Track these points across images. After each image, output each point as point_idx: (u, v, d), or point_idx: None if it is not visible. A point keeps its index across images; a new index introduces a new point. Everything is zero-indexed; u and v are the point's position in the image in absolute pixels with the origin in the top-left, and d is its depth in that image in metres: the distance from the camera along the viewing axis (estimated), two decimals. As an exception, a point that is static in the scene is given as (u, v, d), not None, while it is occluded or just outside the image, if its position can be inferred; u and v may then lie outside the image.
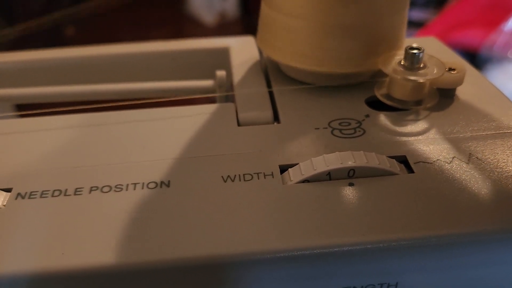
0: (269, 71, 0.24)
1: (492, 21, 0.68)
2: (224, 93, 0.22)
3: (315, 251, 0.14)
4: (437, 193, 0.16)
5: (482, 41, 0.65)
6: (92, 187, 0.17)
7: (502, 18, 0.68)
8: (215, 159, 0.18)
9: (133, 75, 0.27)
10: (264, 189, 0.16)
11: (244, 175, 0.17)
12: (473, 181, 0.16)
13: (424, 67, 0.20)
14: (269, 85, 0.23)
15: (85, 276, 0.14)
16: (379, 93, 0.21)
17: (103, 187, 0.17)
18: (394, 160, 0.17)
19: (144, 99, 0.23)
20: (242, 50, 0.26)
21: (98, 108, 0.21)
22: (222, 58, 0.26)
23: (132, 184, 0.17)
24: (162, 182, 0.17)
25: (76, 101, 0.24)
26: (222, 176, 0.17)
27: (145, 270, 0.14)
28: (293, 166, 0.17)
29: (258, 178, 0.17)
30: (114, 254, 0.14)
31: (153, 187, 0.17)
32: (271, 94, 0.22)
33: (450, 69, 0.21)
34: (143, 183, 0.17)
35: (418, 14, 0.80)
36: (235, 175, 0.17)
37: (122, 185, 0.17)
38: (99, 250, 0.14)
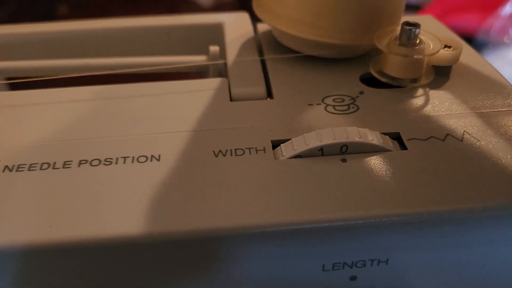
0: (262, 47, 0.23)
1: (489, 5, 0.68)
2: (216, 62, 0.22)
3: (305, 226, 0.14)
4: (429, 169, 0.16)
5: (478, 26, 0.65)
6: (81, 161, 0.17)
7: (499, 2, 0.67)
8: (206, 133, 0.18)
9: (127, 49, 0.27)
10: (255, 164, 0.16)
11: (235, 150, 0.17)
12: (466, 159, 0.16)
13: (420, 43, 0.19)
14: (263, 61, 0.22)
15: (72, 248, 0.14)
16: (374, 70, 0.20)
17: (92, 160, 0.17)
18: (387, 136, 0.17)
19: (136, 73, 0.23)
20: (236, 26, 0.26)
21: (89, 82, 0.21)
22: (216, 33, 0.26)
23: (122, 157, 0.17)
24: (152, 156, 0.17)
25: (67, 75, 0.23)
26: (213, 151, 0.17)
27: (131, 244, 0.14)
28: (286, 141, 0.17)
29: (250, 153, 0.17)
30: (100, 227, 0.14)
31: (143, 161, 0.16)
32: (264, 70, 0.22)
33: (446, 46, 0.20)
34: (133, 157, 0.17)
35: (416, -1, 0.79)
36: (227, 150, 0.17)
37: (111, 158, 0.17)
38: (85, 223, 0.14)
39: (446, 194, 0.15)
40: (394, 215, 0.14)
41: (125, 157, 0.17)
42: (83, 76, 0.23)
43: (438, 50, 0.19)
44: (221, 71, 0.23)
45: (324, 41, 0.20)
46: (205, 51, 0.24)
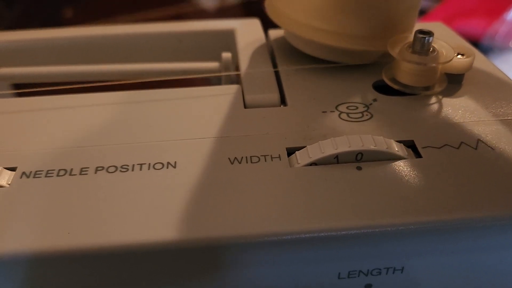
0: (275, 53, 0.23)
1: (494, 10, 0.68)
2: (229, 73, 0.22)
3: (321, 234, 0.14)
4: (444, 178, 0.16)
5: (484, 30, 0.65)
6: (97, 167, 0.17)
7: (505, 7, 0.67)
8: (222, 141, 0.18)
9: (138, 56, 0.27)
10: (271, 172, 0.16)
11: (251, 157, 0.17)
12: (480, 167, 0.16)
13: (433, 51, 0.19)
14: (275, 67, 0.22)
15: (90, 256, 0.14)
16: (387, 77, 0.20)
17: (109, 167, 0.17)
18: (402, 144, 0.17)
19: (148, 80, 0.23)
20: (248, 32, 0.26)
21: (101, 89, 0.21)
22: (227, 40, 0.26)
23: (138, 164, 0.17)
24: (168, 163, 0.17)
25: (79, 81, 0.23)
26: (229, 158, 0.17)
27: (147, 252, 0.14)
28: (301, 149, 0.17)
29: (265, 161, 0.17)
30: (118, 234, 0.14)
31: (159, 168, 0.17)
32: (277, 77, 0.22)
33: (459, 54, 0.20)
34: (149, 164, 0.17)
35: (423, 3, 0.79)
36: (242, 157, 0.17)
37: (128, 165, 0.17)
38: (102, 230, 0.14)
39: (461, 202, 0.15)
40: (409, 223, 0.14)
41: (141, 164, 0.17)
42: (94, 83, 0.23)
43: (452, 59, 0.19)
44: (233, 78, 0.23)
45: (338, 46, 0.20)
46: (217, 58, 0.24)
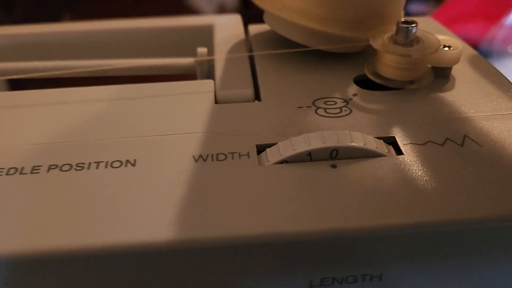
0: (253, 49, 0.22)
1: (492, 14, 0.67)
2: (201, 59, 0.21)
3: (290, 238, 0.13)
4: (427, 176, 0.15)
5: (482, 35, 0.64)
6: (50, 165, 0.15)
7: (503, 12, 0.66)
8: (187, 137, 0.16)
9: (115, 52, 0.26)
10: (238, 170, 0.15)
11: (217, 154, 0.16)
12: (466, 165, 0.15)
13: (418, 42, 0.18)
14: (252, 64, 0.21)
15: (47, 258, 0.13)
16: (369, 71, 0.19)
17: (63, 165, 0.15)
18: (382, 141, 0.16)
19: (117, 75, 0.22)
20: (227, 28, 0.24)
21: (71, 84, 0.20)
22: (206, 35, 0.25)
23: (94, 162, 0.15)
24: (127, 161, 0.15)
25: (51, 77, 0.22)
26: (193, 156, 0.16)
27: (100, 256, 0.13)
28: (271, 146, 0.16)
29: (233, 158, 0.15)
30: (70, 237, 0.13)
31: (117, 166, 0.15)
32: (253, 72, 0.21)
33: (446, 46, 0.19)
34: (107, 162, 0.15)
35: (418, 7, 0.78)
36: (208, 155, 0.16)
37: (83, 163, 0.15)
38: (54, 232, 0.13)
39: (444, 204, 0.14)
40: (387, 226, 0.13)
41: (98, 162, 0.15)
42: (66, 77, 0.22)
43: (437, 49, 0.18)
44: (210, 74, 0.22)
45: (319, 29, 0.19)
46: (195, 54, 0.23)
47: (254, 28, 0.24)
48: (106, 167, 0.15)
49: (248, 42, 0.23)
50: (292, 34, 0.20)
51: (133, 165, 0.15)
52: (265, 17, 0.22)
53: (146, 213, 0.13)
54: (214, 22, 0.25)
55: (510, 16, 0.65)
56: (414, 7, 0.78)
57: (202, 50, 0.22)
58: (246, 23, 0.25)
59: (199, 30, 0.25)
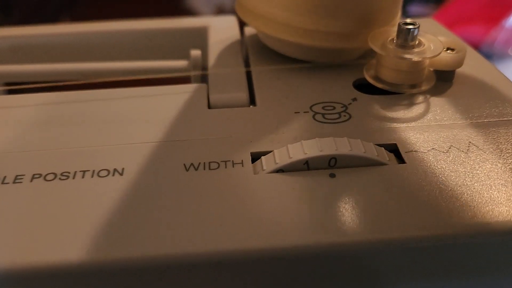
0: (248, 51, 0.22)
1: (493, 17, 0.66)
2: (196, 73, 0.20)
3: (286, 253, 0.12)
4: (430, 186, 0.14)
5: (483, 38, 0.63)
6: (34, 175, 0.15)
7: (503, 14, 0.66)
8: (178, 144, 0.16)
9: (106, 54, 0.25)
10: (231, 179, 0.14)
11: (209, 163, 0.15)
12: (471, 173, 0.14)
13: (420, 45, 0.17)
14: (248, 66, 0.20)
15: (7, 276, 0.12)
16: (369, 75, 0.18)
17: (47, 174, 0.15)
18: (383, 148, 0.15)
19: (108, 80, 0.21)
20: (222, 30, 0.24)
21: (60, 88, 0.19)
22: (200, 38, 0.24)
23: (80, 171, 0.15)
24: (115, 170, 0.15)
25: (39, 80, 0.22)
26: (184, 164, 0.15)
27: (84, 271, 0.12)
28: (267, 154, 0.15)
29: (226, 167, 0.15)
30: (51, 251, 0.12)
31: (104, 175, 0.15)
32: (248, 75, 0.20)
33: (449, 49, 0.18)
34: (94, 171, 0.15)
35: (418, 9, 0.77)
36: (199, 163, 0.15)
37: (69, 172, 0.15)
38: (32, 247, 0.12)
39: (449, 216, 0.13)
40: (390, 240, 0.12)
41: (84, 171, 0.15)
42: (51, 82, 0.21)
43: (440, 52, 0.17)
44: (204, 77, 0.21)
45: (313, 45, 0.18)
46: (188, 56, 0.22)
47: (250, 30, 0.23)
48: (92, 176, 0.15)
49: (244, 44, 0.23)
50: (288, 51, 0.20)
51: (121, 174, 0.15)
52: (258, 34, 0.21)
53: (130, 227, 0.13)
54: (209, 23, 0.25)
55: (511, 18, 0.65)
56: (413, 9, 0.77)
57: (195, 52, 0.21)
58: (243, 24, 0.24)
59: (193, 32, 0.24)
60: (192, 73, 0.21)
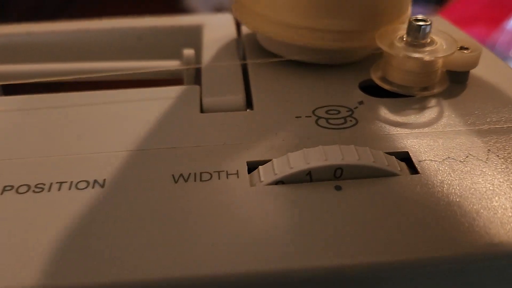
0: (246, 51, 0.20)
1: (494, 18, 0.66)
2: (187, 66, 0.19)
3: (288, 277, 0.11)
4: (447, 200, 0.12)
5: (484, 39, 0.62)
6: (5, 187, 0.13)
7: (505, 16, 0.65)
8: (166, 153, 0.14)
9: (96, 54, 0.24)
10: (224, 192, 0.13)
11: (201, 173, 0.13)
12: (493, 186, 0.13)
13: (432, 43, 0.16)
14: (245, 66, 0.19)
15: None
16: (376, 76, 0.17)
17: (20, 186, 0.13)
18: (393, 157, 0.14)
19: (100, 80, 0.20)
20: (217, 28, 0.22)
21: (40, 87, 0.18)
22: (194, 37, 0.23)
23: (57, 183, 0.13)
24: (95, 181, 0.13)
25: (24, 81, 0.20)
26: (172, 175, 0.13)
27: None
28: (265, 163, 0.14)
29: (219, 178, 0.13)
30: (22, 275, 0.11)
31: (83, 187, 0.13)
32: (245, 76, 0.18)
33: (463, 48, 0.17)
34: (71, 182, 0.13)
35: (419, 10, 0.76)
36: (190, 174, 0.13)
37: (44, 184, 0.13)
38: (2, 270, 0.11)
39: (469, 234, 0.11)
40: (403, 263, 0.11)
41: (61, 183, 0.13)
42: (36, 82, 0.19)
43: (454, 52, 0.16)
44: (197, 78, 0.20)
45: (315, 46, 0.17)
46: (181, 56, 0.20)
47: (247, 28, 0.22)
48: (70, 188, 0.13)
49: (241, 44, 0.21)
50: (287, 53, 0.19)
51: (102, 186, 0.13)
52: (257, 36, 0.20)
53: (110, 248, 0.11)
54: (204, 22, 0.23)
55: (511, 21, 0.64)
56: (415, 10, 0.76)
57: (188, 52, 0.20)
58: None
59: (187, 30, 0.23)
60: (184, 72, 0.19)
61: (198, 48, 0.21)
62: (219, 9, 1.02)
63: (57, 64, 0.21)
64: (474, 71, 0.18)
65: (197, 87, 0.17)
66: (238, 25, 0.23)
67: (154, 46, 0.23)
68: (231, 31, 0.22)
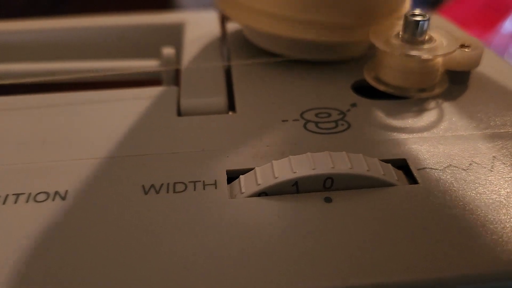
0: (231, 50, 0.19)
1: (489, 22, 0.65)
2: (166, 68, 0.17)
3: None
4: (450, 213, 0.11)
5: (478, 42, 0.62)
6: (-47, 199, 0.12)
7: (499, 19, 0.65)
8: (136, 161, 0.13)
9: (72, 53, 0.23)
10: (200, 206, 0.11)
11: (174, 184, 0.12)
12: (500, 196, 0.12)
13: (430, 40, 0.15)
14: (228, 67, 0.18)
15: None
16: (370, 76, 0.16)
17: (-31, 198, 0.12)
18: (389, 165, 0.13)
19: (73, 81, 0.18)
20: (200, 26, 0.21)
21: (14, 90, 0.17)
22: (175, 35, 0.21)
23: (13, 195, 0.12)
24: (56, 193, 0.12)
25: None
26: (143, 186, 0.12)
27: None
28: (247, 172, 0.12)
29: (195, 189, 0.12)
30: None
31: (42, 199, 0.12)
32: (228, 75, 0.17)
33: (463, 46, 0.16)
34: (29, 194, 0.12)
35: (412, 12, 0.76)
36: (162, 185, 0.12)
37: None
38: None
39: (474, 252, 0.10)
40: (397, 284, 0.10)
41: (18, 194, 0.12)
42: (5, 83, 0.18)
43: (455, 50, 0.15)
44: (177, 79, 0.18)
45: (306, 38, 0.16)
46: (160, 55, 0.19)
47: (233, 26, 0.21)
48: (27, 201, 0.12)
49: (225, 42, 0.20)
50: (276, 47, 0.17)
51: (63, 198, 0.12)
52: (243, 28, 0.19)
53: (70, 267, 0.10)
54: (186, 19, 0.22)
55: (506, 23, 0.63)
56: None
57: (168, 51, 0.18)
58: (225, 19, 0.22)
59: (168, 28, 0.22)
60: (163, 72, 0.18)
61: (179, 46, 0.20)
62: (213, 6, 1.01)
63: (28, 64, 0.20)
64: (475, 71, 0.17)
65: (175, 88, 0.16)
66: (222, 23, 0.21)
67: (135, 44, 0.22)
68: (215, 29, 0.21)
